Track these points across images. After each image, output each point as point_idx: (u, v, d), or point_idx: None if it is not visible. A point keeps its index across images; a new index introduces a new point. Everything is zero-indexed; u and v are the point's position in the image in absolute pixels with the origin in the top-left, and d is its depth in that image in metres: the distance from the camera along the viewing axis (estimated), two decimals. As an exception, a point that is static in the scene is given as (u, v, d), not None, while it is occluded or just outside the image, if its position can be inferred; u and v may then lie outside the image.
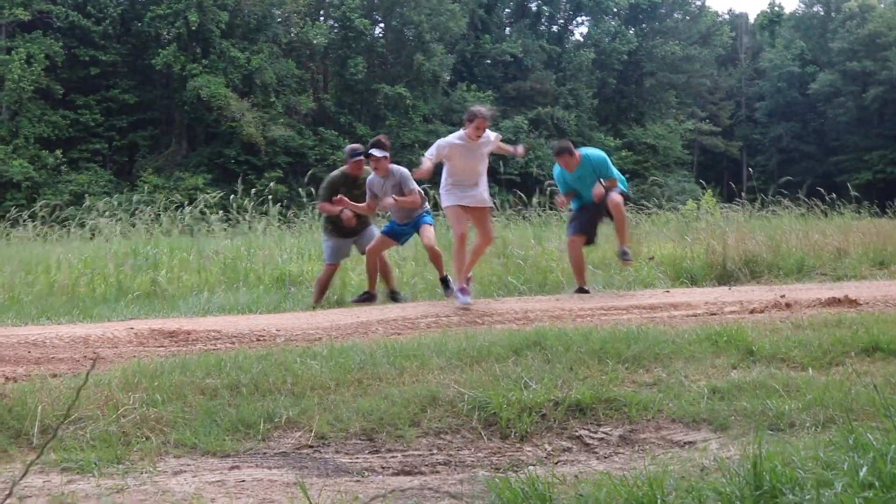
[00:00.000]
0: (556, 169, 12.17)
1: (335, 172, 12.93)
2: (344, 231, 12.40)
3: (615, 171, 12.20)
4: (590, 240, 12.17)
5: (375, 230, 12.78)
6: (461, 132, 11.09)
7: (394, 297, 12.47)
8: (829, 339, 6.97)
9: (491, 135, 11.27)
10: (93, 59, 57.62)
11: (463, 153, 10.92)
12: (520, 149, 12.26)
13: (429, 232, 12.08)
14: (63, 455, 4.70)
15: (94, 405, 5.39)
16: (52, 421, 5.12)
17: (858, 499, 3.43)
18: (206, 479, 4.39)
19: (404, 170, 12.03)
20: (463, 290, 10.56)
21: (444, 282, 12.00)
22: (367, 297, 12.12)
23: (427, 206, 12.48)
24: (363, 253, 12.44)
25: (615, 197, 11.67)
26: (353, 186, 12.44)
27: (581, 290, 11.76)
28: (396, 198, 11.60)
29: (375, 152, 11.75)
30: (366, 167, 12.53)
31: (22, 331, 9.22)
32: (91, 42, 58.04)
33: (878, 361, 6.57)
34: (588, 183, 11.78)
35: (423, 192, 12.63)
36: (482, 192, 11.14)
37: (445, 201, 11.05)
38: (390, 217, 12.74)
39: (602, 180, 11.79)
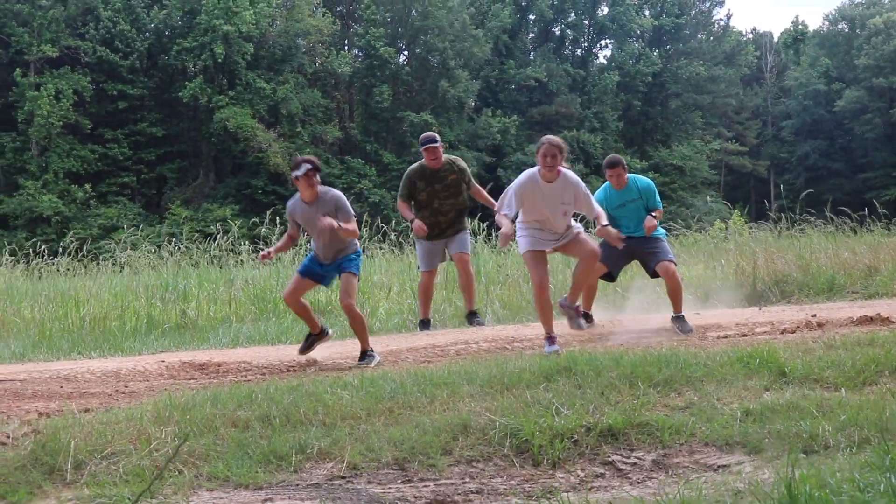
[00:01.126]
0: (601, 191, 10.73)
1: (413, 166, 11.99)
2: (433, 233, 11.51)
3: (660, 202, 11.07)
4: (610, 274, 10.87)
5: (468, 236, 12.16)
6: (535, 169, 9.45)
7: (312, 340, 9.86)
8: (862, 358, 6.93)
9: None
10: (120, 94, 57.97)
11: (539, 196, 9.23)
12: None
13: (350, 285, 9.48)
14: (96, 490, 4.71)
15: (127, 439, 5.41)
16: (85, 456, 5.12)
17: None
18: (239, 512, 4.40)
19: (340, 194, 9.78)
20: (552, 339, 8.78)
21: (365, 356, 9.21)
22: (312, 340, 9.63)
23: (358, 244, 10.00)
24: (448, 258, 11.99)
25: (669, 267, 10.47)
26: (433, 180, 11.53)
27: (584, 315, 10.66)
28: (342, 224, 9.22)
29: (301, 171, 9.38)
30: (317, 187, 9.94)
31: (54, 366, 9.27)
32: (118, 76, 58.39)
33: (912, 381, 6.53)
34: (631, 210, 10.62)
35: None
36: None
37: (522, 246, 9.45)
38: (308, 251, 10.54)
39: (651, 212, 10.62)
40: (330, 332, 9.88)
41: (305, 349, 9.57)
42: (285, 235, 10.06)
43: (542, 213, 9.20)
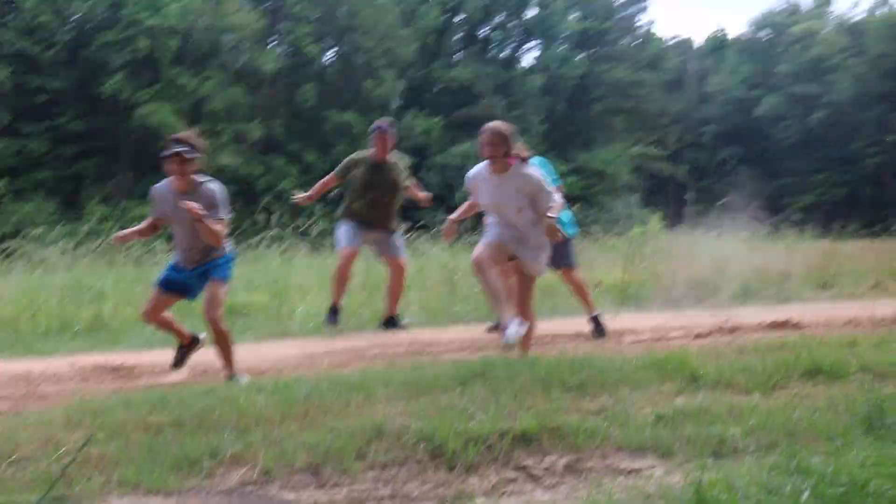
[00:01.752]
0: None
1: (359, 153, 11.54)
2: (364, 218, 10.96)
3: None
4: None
5: (399, 241, 11.57)
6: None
7: (184, 352, 8.99)
8: (773, 362, 7.06)
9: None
10: (40, 87, 57.32)
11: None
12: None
13: (216, 294, 8.10)
14: (2, 497, 4.66)
15: (35, 444, 5.35)
16: (-6, 458, 5.08)
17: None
18: (149, 519, 4.38)
19: (219, 189, 8.14)
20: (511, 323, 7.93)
21: (231, 378, 7.99)
22: (184, 352, 8.77)
23: (229, 248, 8.53)
24: (378, 256, 11.59)
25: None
26: (375, 171, 10.94)
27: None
28: (203, 214, 7.67)
29: (180, 151, 7.92)
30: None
31: (-40, 367, 9.14)
32: (38, 68, 57.72)
33: (820, 384, 6.66)
34: None
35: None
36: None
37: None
38: (171, 258, 9.03)
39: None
40: (202, 337, 8.75)
41: (178, 363, 8.65)
42: (146, 221, 8.62)
43: (494, 207, 8.36)
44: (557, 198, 8.35)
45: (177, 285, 8.30)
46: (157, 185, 8.41)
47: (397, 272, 10.97)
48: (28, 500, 4.56)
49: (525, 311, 8.31)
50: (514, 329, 7.86)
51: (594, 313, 10.68)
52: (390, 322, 11.21)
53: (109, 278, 15.64)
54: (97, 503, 4.60)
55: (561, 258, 10.23)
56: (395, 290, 11.14)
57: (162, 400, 6.32)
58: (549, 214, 8.10)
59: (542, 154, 10.42)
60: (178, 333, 8.62)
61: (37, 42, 57.81)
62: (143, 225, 8.56)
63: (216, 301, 8.01)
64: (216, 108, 58.97)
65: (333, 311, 10.98)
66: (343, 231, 10.94)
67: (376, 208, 10.68)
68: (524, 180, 8.03)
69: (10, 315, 13.31)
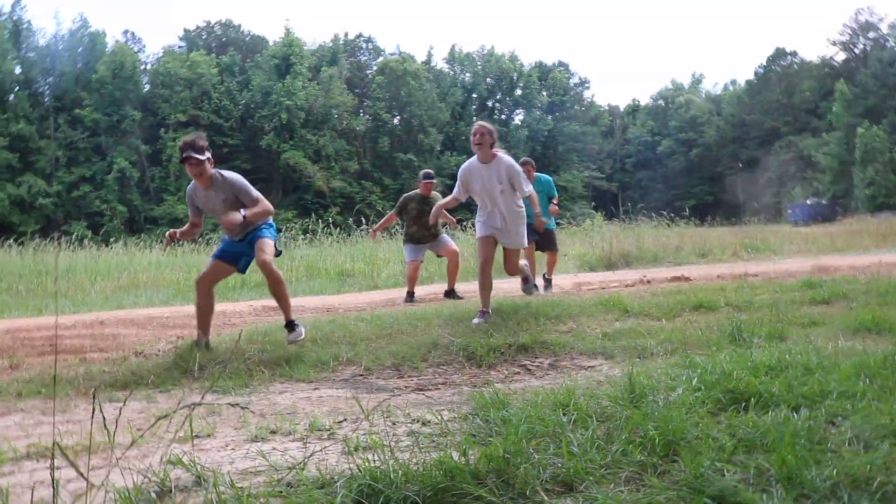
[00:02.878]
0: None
1: (411, 192, 10.30)
2: (416, 238, 9.92)
3: (556, 192, 9.85)
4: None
5: (446, 237, 10.20)
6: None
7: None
8: (673, 301, 7.02)
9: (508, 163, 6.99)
10: (224, 143, 57.78)
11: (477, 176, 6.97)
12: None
13: (265, 244, 5.98)
14: (212, 382, 4.71)
15: (230, 353, 5.41)
16: (204, 363, 5.13)
17: (692, 396, 3.46)
18: (298, 396, 4.40)
19: (237, 177, 6.15)
20: (482, 314, 6.58)
21: (290, 325, 5.98)
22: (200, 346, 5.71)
23: (270, 219, 6.38)
24: (439, 256, 10.24)
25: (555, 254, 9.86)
26: (423, 203, 9.79)
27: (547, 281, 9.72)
28: (247, 213, 5.88)
29: (192, 154, 5.89)
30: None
31: (186, 308, 9.21)
32: (222, 132, 58.29)
33: (702, 314, 6.61)
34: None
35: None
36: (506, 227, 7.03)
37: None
38: (222, 236, 6.86)
39: (552, 199, 9.62)
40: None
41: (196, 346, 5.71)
42: (188, 223, 6.37)
43: (483, 194, 6.87)
44: (528, 189, 7.02)
45: (230, 256, 6.15)
46: (188, 187, 6.29)
47: (452, 258, 9.88)
48: (227, 386, 4.62)
49: (515, 270, 7.52)
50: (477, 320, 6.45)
51: (550, 276, 9.94)
52: (451, 293, 9.96)
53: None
54: (268, 387, 4.63)
55: (549, 244, 9.59)
56: (453, 270, 9.97)
57: (303, 326, 6.36)
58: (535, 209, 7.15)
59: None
60: (205, 324, 6.01)
61: (221, 116, 58.57)
62: (186, 227, 6.32)
63: (266, 248, 5.87)
64: (329, 153, 59.40)
65: (410, 295, 9.73)
66: (407, 250, 10.00)
67: (427, 229, 9.72)
68: (505, 167, 6.80)
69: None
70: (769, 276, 9.95)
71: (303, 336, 5.85)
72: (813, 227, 34.04)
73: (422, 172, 10.34)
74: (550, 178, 9.96)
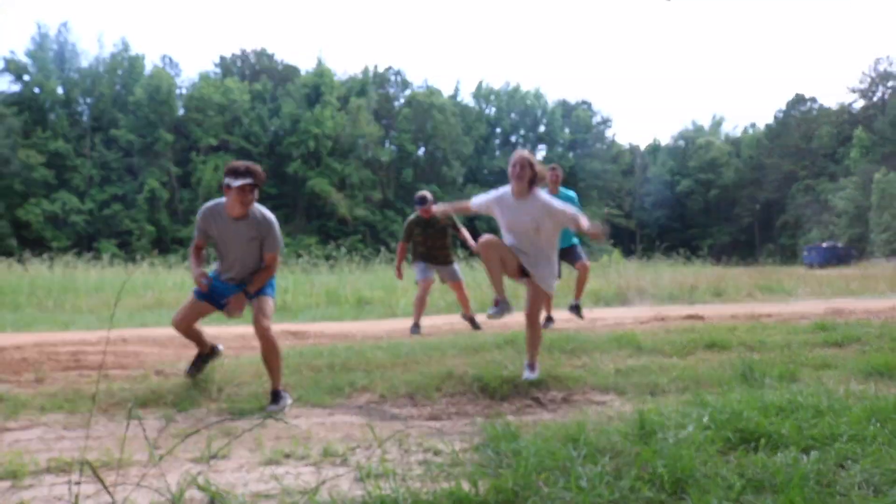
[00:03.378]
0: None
1: (411, 217, 9.64)
2: (428, 258, 9.34)
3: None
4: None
5: (456, 268, 9.55)
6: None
7: (203, 360, 5.53)
8: (687, 339, 6.96)
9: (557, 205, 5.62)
10: (252, 169, 58.55)
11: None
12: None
13: (266, 305, 5.11)
14: (229, 404, 4.72)
15: (248, 375, 5.41)
16: (223, 384, 5.14)
17: (702, 434, 3.43)
18: (314, 421, 4.40)
19: (273, 219, 5.27)
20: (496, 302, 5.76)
21: (276, 395, 4.87)
22: (203, 361, 5.45)
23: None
24: (443, 282, 9.69)
25: (586, 263, 8.87)
26: (426, 226, 9.27)
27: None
28: (253, 287, 5.09)
29: (237, 184, 5.02)
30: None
31: (207, 329, 9.15)
32: (251, 157, 58.73)
33: (714, 353, 6.55)
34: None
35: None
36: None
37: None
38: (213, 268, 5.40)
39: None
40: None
41: (195, 371, 5.38)
42: (194, 249, 5.21)
43: (509, 226, 5.69)
44: (569, 212, 5.63)
45: (213, 295, 5.13)
46: (208, 205, 5.24)
47: (458, 290, 9.48)
48: (243, 407, 4.62)
49: (534, 316, 5.74)
50: (527, 374, 5.41)
51: (578, 300, 9.01)
52: (470, 320, 9.43)
53: (290, 280, 15.79)
54: (284, 411, 4.63)
55: (573, 256, 8.89)
56: (463, 301, 9.51)
57: (321, 352, 6.36)
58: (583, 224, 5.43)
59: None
60: (201, 343, 5.42)
61: (250, 142, 59.13)
62: (194, 258, 5.16)
63: (267, 311, 5.05)
64: (354, 182, 59.72)
65: (416, 326, 8.99)
66: (418, 269, 9.36)
67: (435, 249, 9.25)
68: (540, 205, 5.52)
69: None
70: (783, 317, 9.85)
71: (286, 407, 4.75)
72: (828, 269, 33.75)
73: (416, 197, 9.49)
74: (573, 194, 8.94)
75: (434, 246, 9.30)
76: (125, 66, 57.68)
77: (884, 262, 40.60)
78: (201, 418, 4.37)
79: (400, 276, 9.70)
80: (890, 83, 66.22)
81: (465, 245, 9.69)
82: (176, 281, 16.39)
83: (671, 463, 2.96)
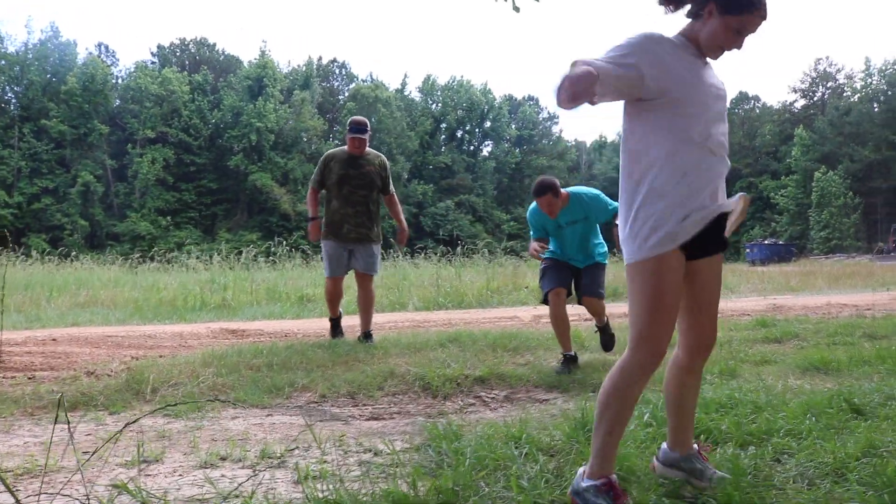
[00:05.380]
0: (532, 214, 6.00)
1: (333, 149, 7.18)
2: (338, 232, 6.81)
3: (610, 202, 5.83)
4: (569, 291, 5.95)
5: (377, 252, 7.00)
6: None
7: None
8: (625, 338, 7.02)
9: None
10: (192, 161, 57.59)
11: None
12: None
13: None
14: (164, 405, 4.63)
15: (184, 375, 5.31)
16: (158, 385, 5.03)
17: (643, 432, 3.48)
18: (251, 422, 4.33)
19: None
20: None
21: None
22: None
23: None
24: (362, 271, 6.90)
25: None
26: (349, 165, 6.86)
27: (568, 360, 5.78)
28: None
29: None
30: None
31: (142, 328, 9.07)
32: (191, 150, 58.12)
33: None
34: (575, 232, 5.86)
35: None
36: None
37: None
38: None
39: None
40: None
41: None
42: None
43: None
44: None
45: None
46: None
47: (364, 287, 6.99)
48: (179, 409, 4.53)
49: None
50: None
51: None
52: (366, 337, 6.91)
53: (230, 277, 15.56)
54: (221, 412, 4.56)
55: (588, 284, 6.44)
56: (366, 305, 7.02)
57: (260, 350, 6.28)
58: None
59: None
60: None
61: (190, 135, 58.23)
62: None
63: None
64: (297, 176, 59.16)
65: (335, 326, 7.21)
66: (325, 255, 6.94)
67: (353, 206, 6.78)
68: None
69: (171, 297, 13.24)
70: (725, 313, 10.05)
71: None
72: (770, 266, 34.62)
73: (351, 121, 7.10)
74: (597, 193, 5.98)
75: (351, 199, 6.82)
76: (56, 54, 56.08)
77: (822, 258, 41.86)
78: (134, 420, 4.27)
79: (316, 235, 6.90)
80: (829, 84, 68.21)
81: (396, 230, 7.26)
82: (111, 277, 16.03)
83: (612, 460, 2.99)
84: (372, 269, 6.97)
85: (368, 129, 7.05)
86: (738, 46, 2.57)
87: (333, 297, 7.13)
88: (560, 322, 5.81)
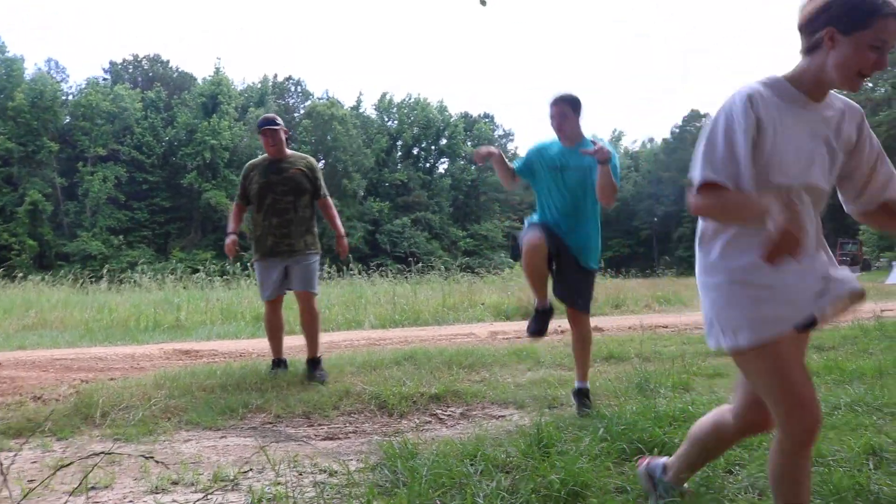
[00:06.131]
0: (542, 141, 4.90)
1: (256, 159, 6.40)
2: (267, 243, 6.05)
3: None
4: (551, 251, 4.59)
5: (316, 265, 6.09)
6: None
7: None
8: (584, 352, 7.09)
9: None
10: (144, 180, 56.78)
11: None
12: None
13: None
14: (115, 430, 4.53)
15: (136, 398, 5.21)
16: (108, 408, 4.93)
17: (598, 446, 3.51)
18: (205, 445, 4.27)
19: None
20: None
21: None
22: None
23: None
24: (299, 289, 5.97)
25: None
26: (271, 171, 6.08)
27: (540, 312, 4.83)
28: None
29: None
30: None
31: (92, 350, 8.88)
32: (144, 168, 57.25)
33: (612, 364, 6.72)
34: (572, 181, 4.68)
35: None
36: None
37: None
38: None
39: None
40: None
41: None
42: None
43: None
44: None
45: None
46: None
47: (306, 306, 6.01)
48: (130, 433, 4.44)
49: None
50: None
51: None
52: (313, 365, 6.04)
53: (184, 296, 15.32)
54: (172, 435, 4.48)
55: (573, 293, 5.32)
56: (310, 326, 6.04)
57: (214, 371, 6.19)
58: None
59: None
60: None
61: (143, 153, 57.47)
62: None
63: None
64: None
65: (276, 363, 6.26)
66: (257, 276, 6.23)
67: (279, 216, 5.99)
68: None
69: (123, 317, 13.00)
70: (679, 327, 10.21)
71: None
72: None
73: (260, 120, 6.30)
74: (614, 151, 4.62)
75: (278, 208, 6.01)
76: (2, 69, 54.92)
77: (773, 272, 42.72)
78: (82, 446, 4.17)
79: (232, 251, 6.17)
80: (777, 101, 69.90)
81: (336, 239, 6.28)
82: (60, 298, 15.67)
83: (567, 476, 3.01)
84: (309, 286, 5.98)
85: (279, 122, 6.18)
86: (881, 65, 2.07)
87: (273, 328, 6.22)
88: (534, 269, 4.57)
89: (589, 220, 4.80)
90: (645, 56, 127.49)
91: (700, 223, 2.30)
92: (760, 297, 2.14)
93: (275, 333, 6.26)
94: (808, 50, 2.16)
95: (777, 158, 2.12)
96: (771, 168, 2.12)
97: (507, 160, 4.91)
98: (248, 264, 18.94)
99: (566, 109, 4.64)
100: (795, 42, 2.18)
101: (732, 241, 2.20)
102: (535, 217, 4.84)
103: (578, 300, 4.80)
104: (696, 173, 2.16)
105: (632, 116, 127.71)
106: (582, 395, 4.80)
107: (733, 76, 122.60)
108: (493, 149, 4.79)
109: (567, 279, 4.78)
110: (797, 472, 2.22)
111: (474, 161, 4.77)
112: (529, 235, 4.59)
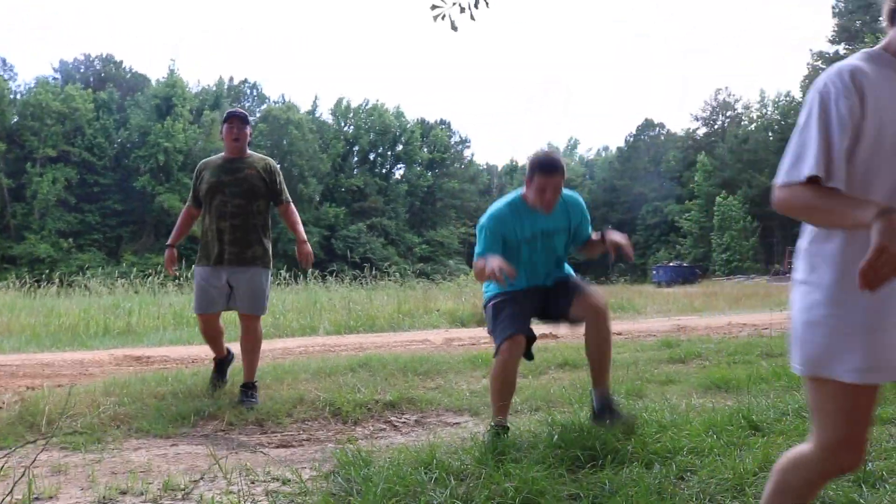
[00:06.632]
0: (502, 211, 4.11)
1: (210, 157, 5.86)
2: (211, 252, 5.38)
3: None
4: (530, 339, 4.16)
5: (265, 279, 5.41)
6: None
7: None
8: (539, 358, 7.05)
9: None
10: (96, 182, 55.74)
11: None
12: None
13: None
14: (62, 439, 4.41)
15: (84, 405, 5.08)
16: (55, 416, 4.80)
17: (552, 453, 3.51)
18: (155, 453, 4.18)
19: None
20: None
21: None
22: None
23: None
24: (245, 312, 5.36)
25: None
26: (223, 170, 5.45)
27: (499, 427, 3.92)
28: None
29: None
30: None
31: (39, 356, 8.67)
32: (95, 170, 56.24)
33: (567, 371, 6.73)
34: (552, 246, 4.24)
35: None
36: None
37: None
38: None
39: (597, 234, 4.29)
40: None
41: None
42: None
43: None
44: None
45: None
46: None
47: (248, 328, 5.43)
48: (78, 441, 4.33)
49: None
50: None
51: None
52: (246, 390, 5.34)
53: (135, 301, 15.04)
54: (122, 444, 4.38)
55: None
56: (250, 348, 5.47)
57: (165, 378, 6.07)
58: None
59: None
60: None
61: (94, 154, 56.48)
62: None
63: None
64: (207, 197, 57.88)
65: (219, 364, 5.83)
66: (195, 286, 5.47)
67: (231, 219, 5.31)
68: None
69: (72, 322, 12.71)
70: (632, 334, 10.30)
71: None
72: (675, 287, 35.71)
73: (229, 109, 5.94)
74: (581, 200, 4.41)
75: (226, 211, 5.34)
76: (-51, 68, 53.60)
77: (724, 280, 43.53)
78: (26, 455, 4.05)
79: (171, 266, 5.83)
80: (728, 113, 71.25)
81: (297, 245, 5.69)
82: (6, 302, 15.27)
83: (521, 484, 3.01)
84: (256, 308, 5.36)
85: (249, 121, 5.65)
86: None
87: (209, 336, 5.64)
88: (506, 381, 4.02)
89: (565, 259, 4.41)
90: (601, 64, 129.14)
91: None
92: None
93: (215, 339, 5.68)
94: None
95: (881, 131, 1.80)
96: (878, 148, 1.80)
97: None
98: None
99: (560, 183, 4.04)
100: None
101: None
102: (507, 285, 3.88)
103: (586, 288, 4.25)
104: (793, 165, 1.82)
105: (587, 124, 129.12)
106: (605, 400, 4.14)
107: (684, 87, 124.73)
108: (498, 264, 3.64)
109: (563, 293, 4.26)
110: (807, 490, 2.03)
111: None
112: (509, 342, 3.97)
